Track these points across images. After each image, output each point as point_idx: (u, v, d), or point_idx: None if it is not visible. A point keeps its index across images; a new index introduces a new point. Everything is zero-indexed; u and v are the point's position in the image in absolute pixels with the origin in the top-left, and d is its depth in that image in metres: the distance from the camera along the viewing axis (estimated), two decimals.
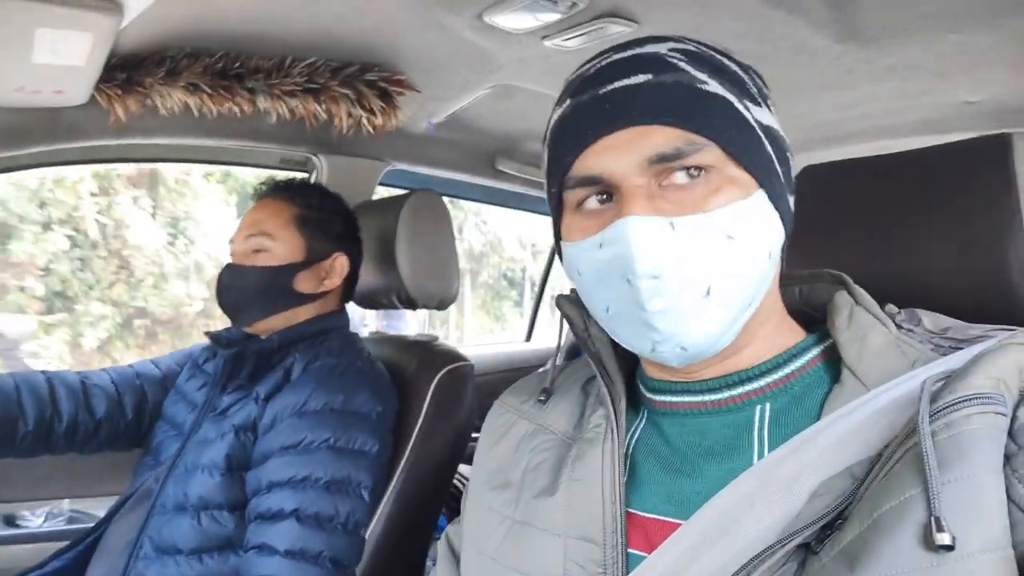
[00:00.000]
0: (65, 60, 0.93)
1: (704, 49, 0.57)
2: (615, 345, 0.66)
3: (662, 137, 0.52)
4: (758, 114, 0.56)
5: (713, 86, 0.54)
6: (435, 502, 1.25)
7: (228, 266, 1.19)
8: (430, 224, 1.39)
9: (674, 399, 0.60)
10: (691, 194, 0.52)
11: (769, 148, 0.55)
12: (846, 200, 0.62)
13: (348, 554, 0.99)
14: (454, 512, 0.75)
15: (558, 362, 0.72)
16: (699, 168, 0.52)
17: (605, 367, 0.64)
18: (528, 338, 2.82)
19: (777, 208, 0.55)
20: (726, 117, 0.53)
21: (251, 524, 0.99)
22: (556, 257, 2.83)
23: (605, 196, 0.55)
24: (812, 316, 0.63)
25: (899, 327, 0.58)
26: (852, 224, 0.62)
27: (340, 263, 1.24)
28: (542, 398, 0.69)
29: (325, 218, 1.24)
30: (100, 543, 1.08)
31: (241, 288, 1.16)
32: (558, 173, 0.56)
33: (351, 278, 1.28)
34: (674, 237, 0.51)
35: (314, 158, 1.66)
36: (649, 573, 0.52)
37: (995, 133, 0.68)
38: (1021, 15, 0.99)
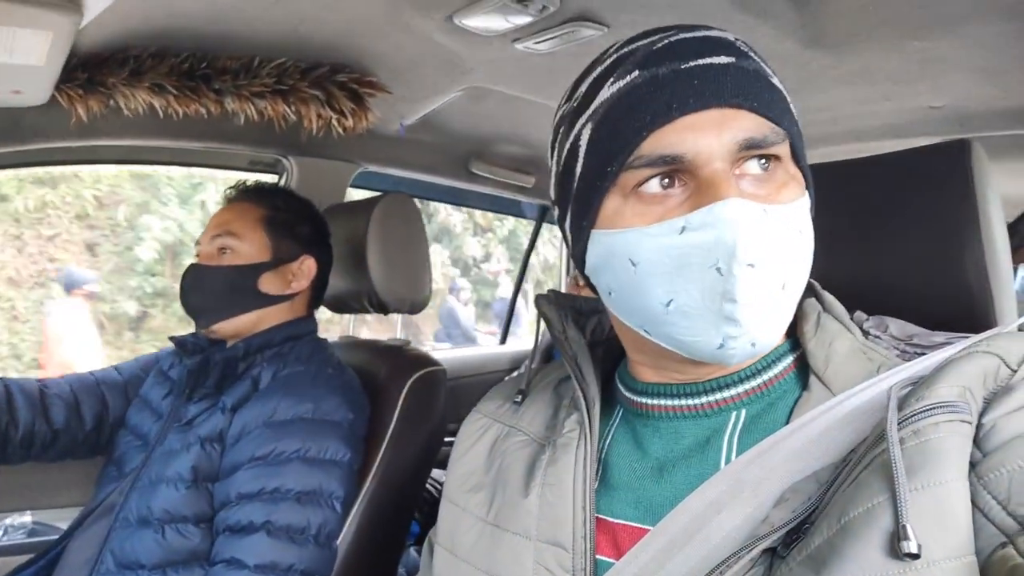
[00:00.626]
0: (23, 59, 0.90)
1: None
2: (591, 348, 0.66)
3: (751, 122, 0.49)
4: (795, 118, 0.56)
5: (776, 80, 0.53)
6: (407, 509, 1.23)
7: (192, 266, 1.17)
8: (401, 227, 1.38)
9: (652, 401, 0.60)
10: (767, 186, 0.50)
11: (806, 154, 0.56)
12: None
13: (320, 567, 0.97)
14: (431, 518, 0.74)
15: (533, 364, 0.71)
16: (776, 159, 0.51)
17: (581, 370, 0.63)
18: (503, 341, 2.82)
19: (810, 216, 0.55)
20: (791, 113, 0.53)
21: (219, 537, 0.96)
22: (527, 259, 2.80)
23: (668, 180, 0.51)
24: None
25: (866, 334, 0.58)
26: (816, 228, 0.63)
27: (307, 266, 1.22)
28: (517, 399, 0.69)
29: (293, 220, 1.22)
30: (62, 558, 1.05)
31: (204, 288, 1.14)
32: (621, 151, 0.50)
33: (320, 282, 1.27)
34: (768, 224, 0.48)
35: (284, 160, 1.64)
36: (628, 571, 0.52)
37: (955, 139, 0.69)
38: (980, 22, 1.01)
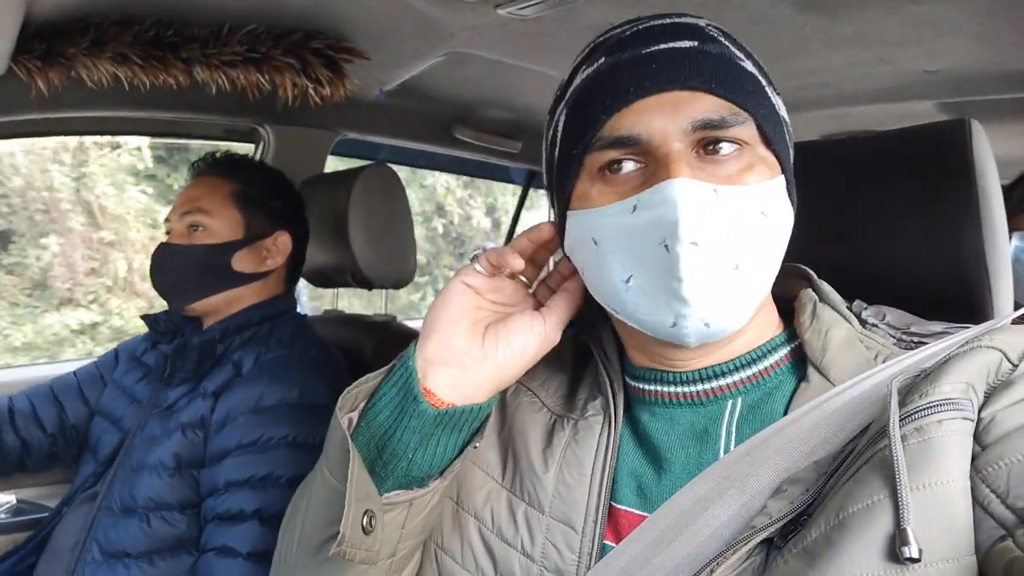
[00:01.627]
0: None
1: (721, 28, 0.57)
2: (614, 332, 0.65)
3: (708, 104, 0.50)
4: (777, 102, 0.56)
5: (748, 64, 0.54)
6: None
7: (162, 245, 1.13)
8: (385, 200, 1.34)
9: (648, 387, 0.60)
10: (727, 167, 0.51)
11: (787, 136, 0.56)
12: (805, 184, 0.61)
13: None
14: None
15: None
16: (736, 142, 0.51)
17: (606, 353, 0.63)
18: None
19: (789, 195, 0.55)
20: (760, 96, 0.53)
21: (209, 524, 0.95)
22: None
23: (632, 161, 0.52)
24: (782, 310, 0.62)
25: (863, 323, 0.58)
26: (810, 209, 0.61)
27: (282, 242, 1.18)
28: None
29: (266, 195, 1.18)
30: (47, 546, 1.04)
31: (176, 268, 1.11)
32: (585, 133, 0.53)
33: (296, 258, 1.23)
34: (717, 204, 0.49)
35: (260, 129, 1.59)
36: (612, 566, 0.53)
37: (954, 119, 0.67)
38: None
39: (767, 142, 0.52)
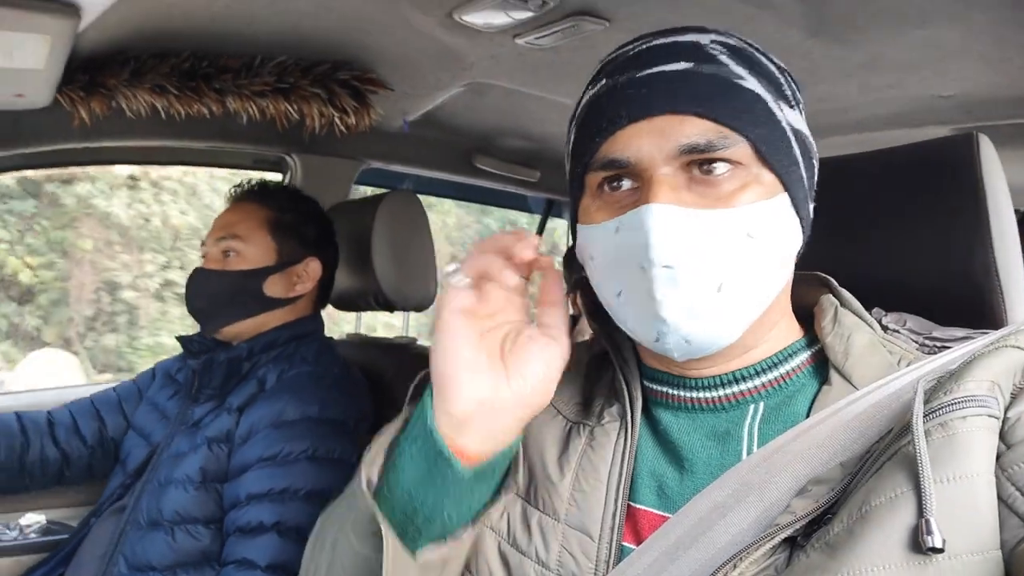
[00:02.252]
0: (22, 63, 0.91)
1: (745, 45, 0.56)
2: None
3: (696, 128, 0.51)
4: (791, 116, 0.55)
5: (750, 82, 0.53)
6: None
7: (197, 270, 1.17)
8: (407, 225, 1.38)
9: (671, 391, 0.60)
10: (718, 189, 0.51)
11: (797, 152, 0.55)
12: (817, 198, 0.62)
13: None
14: None
15: None
16: (728, 163, 0.51)
17: (625, 360, 0.63)
18: None
19: (798, 213, 0.55)
20: (760, 115, 0.53)
21: (230, 538, 0.97)
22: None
23: (629, 182, 0.54)
24: (801, 317, 0.63)
25: (885, 328, 0.58)
26: (822, 224, 0.62)
27: (313, 268, 1.22)
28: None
29: (298, 221, 1.22)
30: (74, 557, 1.06)
31: (210, 293, 1.14)
32: (584, 153, 0.55)
33: (326, 282, 1.27)
34: (693, 229, 0.50)
35: (288, 158, 1.64)
36: (628, 573, 0.52)
37: (963, 132, 0.68)
38: (986, 9, 1.00)
39: (765, 161, 0.52)
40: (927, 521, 0.40)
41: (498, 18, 1.08)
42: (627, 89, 0.53)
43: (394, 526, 0.51)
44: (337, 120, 1.35)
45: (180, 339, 1.21)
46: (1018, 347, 0.48)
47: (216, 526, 1.00)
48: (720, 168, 0.51)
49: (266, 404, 1.04)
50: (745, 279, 0.52)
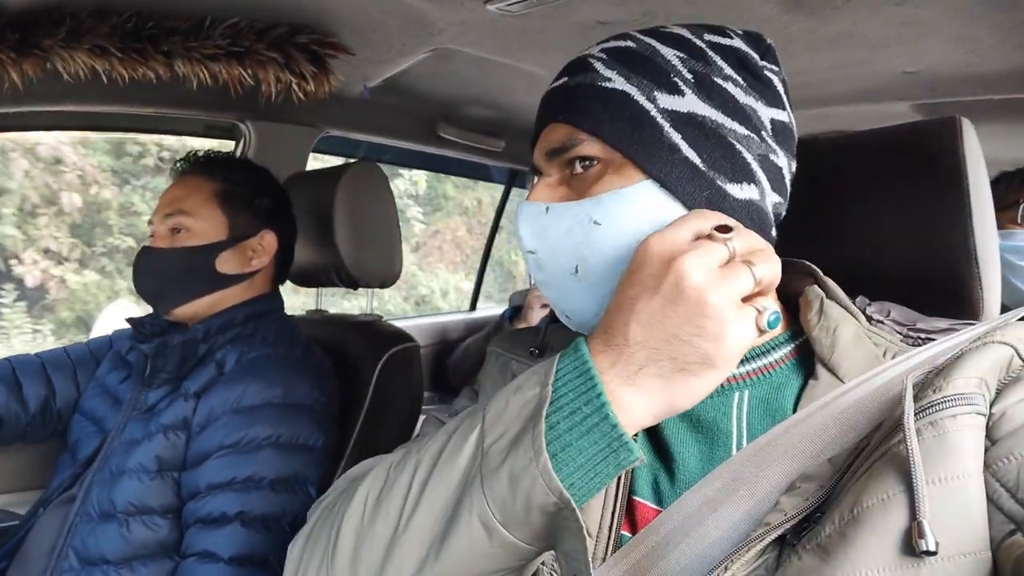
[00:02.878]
0: None
1: (646, 41, 0.58)
2: None
3: (558, 133, 0.58)
4: (670, 103, 0.55)
5: (617, 83, 0.56)
6: None
7: (144, 249, 1.10)
8: (370, 198, 1.32)
9: None
10: (580, 183, 0.57)
11: (674, 136, 0.55)
12: (795, 181, 0.61)
13: None
14: None
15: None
16: (588, 159, 0.57)
17: None
18: (472, 307, 2.79)
19: (678, 196, 0.54)
20: (617, 111, 0.56)
21: (190, 529, 0.93)
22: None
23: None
24: (788, 306, 0.62)
25: (869, 319, 0.58)
26: (800, 206, 0.61)
27: (268, 241, 1.16)
28: (535, 350, 0.72)
29: (250, 193, 1.15)
30: (20, 550, 1.00)
31: (159, 272, 1.08)
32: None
33: (284, 257, 1.21)
34: (545, 221, 0.58)
35: (241, 125, 1.56)
36: (620, 565, 0.52)
37: (945, 117, 0.67)
38: None
39: (624, 153, 0.55)
40: (920, 524, 0.40)
41: None
42: (543, 100, 0.62)
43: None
44: (295, 86, 1.27)
45: (130, 321, 1.14)
46: (1004, 343, 0.49)
47: (174, 516, 0.96)
48: (582, 165, 0.57)
49: (225, 388, 1.00)
50: (599, 262, 0.55)
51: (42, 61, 1.06)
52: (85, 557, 0.93)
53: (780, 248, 0.58)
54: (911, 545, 0.40)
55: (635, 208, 0.55)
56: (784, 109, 0.60)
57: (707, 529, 0.49)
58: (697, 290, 0.45)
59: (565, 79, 0.60)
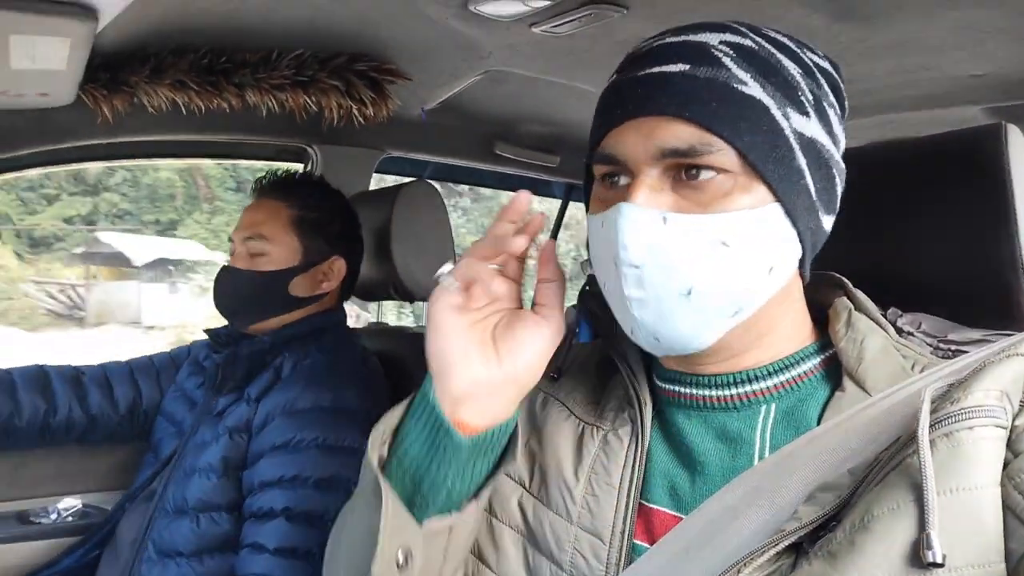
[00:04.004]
0: (44, 65, 0.92)
1: (765, 45, 0.53)
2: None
3: (681, 132, 0.51)
4: (799, 124, 0.52)
5: (752, 88, 0.51)
6: None
7: (224, 268, 1.19)
8: (425, 214, 1.38)
9: (684, 389, 0.60)
10: (700, 194, 0.51)
11: (802, 161, 0.52)
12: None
13: None
14: None
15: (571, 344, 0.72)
16: (713, 169, 0.51)
17: (631, 368, 0.63)
18: None
19: (796, 225, 0.53)
20: (755, 122, 0.51)
21: (246, 523, 1.00)
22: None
23: (624, 178, 0.54)
24: (817, 317, 0.62)
25: (899, 331, 0.58)
26: (844, 215, 0.61)
27: (338, 266, 1.23)
28: (554, 375, 0.68)
29: (324, 219, 1.23)
30: (110, 540, 1.10)
31: (236, 292, 1.17)
32: (592, 145, 0.57)
33: (350, 279, 1.28)
34: (663, 232, 0.50)
35: (308, 149, 1.65)
36: (640, 573, 0.53)
37: (989, 123, 0.66)
38: None
39: (755, 170, 0.51)
40: (927, 535, 0.40)
41: (514, 7, 1.06)
42: (627, 87, 0.54)
43: (402, 497, 0.54)
44: (355, 111, 1.35)
45: (208, 332, 1.24)
46: None
47: (238, 513, 1.03)
48: (705, 174, 0.51)
49: (280, 392, 1.07)
50: (718, 286, 0.51)
51: (129, 96, 1.18)
52: (162, 549, 1.02)
53: (818, 259, 0.58)
54: (919, 556, 0.40)
55: (764, 232, 0.52)
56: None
57: (727, 537, 0.50)
58: None
59: (684, 67, 0.51)
